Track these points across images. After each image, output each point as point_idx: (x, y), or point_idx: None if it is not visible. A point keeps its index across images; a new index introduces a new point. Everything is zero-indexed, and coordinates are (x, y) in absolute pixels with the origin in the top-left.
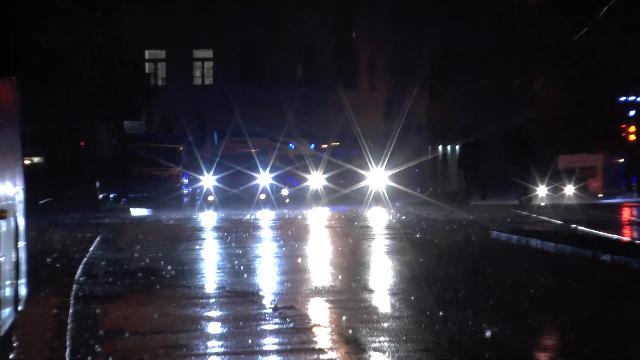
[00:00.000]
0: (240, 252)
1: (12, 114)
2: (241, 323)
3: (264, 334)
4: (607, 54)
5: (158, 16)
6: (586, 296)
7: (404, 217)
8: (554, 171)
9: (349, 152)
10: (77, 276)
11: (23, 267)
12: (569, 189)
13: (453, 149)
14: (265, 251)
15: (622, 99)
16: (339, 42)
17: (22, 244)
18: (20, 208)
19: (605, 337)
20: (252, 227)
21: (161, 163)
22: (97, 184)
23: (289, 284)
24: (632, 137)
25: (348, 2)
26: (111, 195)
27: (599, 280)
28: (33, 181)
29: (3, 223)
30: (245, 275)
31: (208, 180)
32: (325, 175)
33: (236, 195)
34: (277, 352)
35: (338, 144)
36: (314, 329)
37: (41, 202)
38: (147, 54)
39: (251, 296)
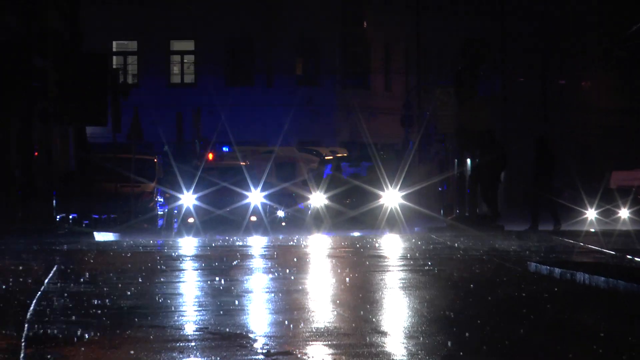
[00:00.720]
0: (227, 286)
1: None
2: None
3: None
4: None
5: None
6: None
7: (423, 245)
8: (605, 190)
9: (359, 165)
10: (29, 314)
11: None
12: (624, 212)
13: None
14: (257, 285)
15: None
16: (347, 34)
17: None
18: None
19: None
20: (240, 256)
21: (131, 178)
22: (54, 202)
23: (285, 325)
24: None
25: None
26: (70, 217)
27: None
28: None
29: None
30: (232, 314)
31: (187, 199)
32: (329, 194)
33: (222, 217)
34: None
35: (345, 155)
36: None
37: None
38: (115, 45)
39: (239, 339)
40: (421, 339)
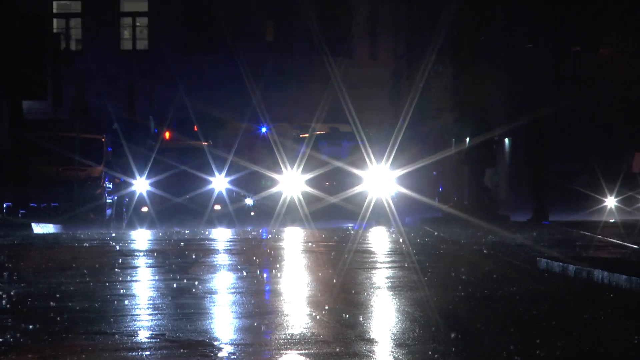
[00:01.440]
0: (187, 286)
1: None
2: None
3: None
4: None
5: None
6: None
7: (415, 238)
8: (627, 174)
9: (339, 143)
10: None
11: None
12: None
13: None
14: (222, 285)
15: None
16: None
17: None
18: None
19: None
20: (203, 251)
21: (75, 160)
22: None
23: (255, 331)
24: None
25: None
26: (4, 205)
27: None
28: None
29: None
30: (193, 319)
31: (140, 185)
32: (306, 177)
33: (180, 206)
34: None
35: (324, 132)
36: None
37: None
38: (56, 5)
39: (201, 347)
40: (412, 346)
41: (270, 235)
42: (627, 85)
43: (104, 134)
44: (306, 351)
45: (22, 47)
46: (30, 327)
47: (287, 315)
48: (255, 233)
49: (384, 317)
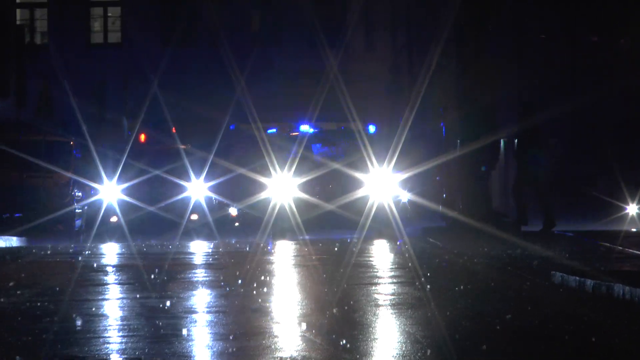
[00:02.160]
0: (164, 304)
1: None
2: None
3: None
4: None
5: None
6: None
7: (417, 250)
8: None
9: (335, 143)
10: None
11: None
12: None
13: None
14: (203, 303)
15: None
16: None
17: None
18: None
19: None
20: (181, 266)
21: (40, 166)
22: None
23: (239, 355)
24: None
25: None
26: None
27: None
28: None
29: None
30: (171, 341)
31: (110, 193)
32: (295, 181)
33: (154, 216)
34: None
35: (317, 130)
36: None
37: None
38: None
39: None
40: None
41: (257, 248)
42: None
43: (72, 137)
44: None
45: None
46: None
47: (275, 336)
48: (240, 246)
49: (383, 338)
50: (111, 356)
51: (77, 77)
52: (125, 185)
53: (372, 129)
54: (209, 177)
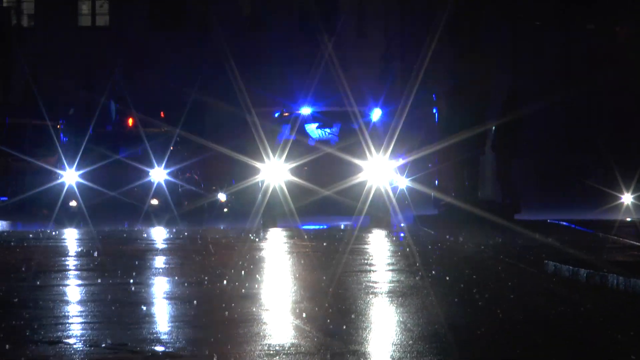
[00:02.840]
0: (150, 291)
1: None
2: None
3: None
4: None
5: None
6: None
7: (410, 239)
8: None
9: (330, 126)
10: None
11: None
12: None
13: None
14: (191, 290)
15: None
16: None
17: None
18: None
19: None
20: (167, 252)
21: (26, 150)
22: None
23: (228, 341)
24: None
25: None
26: None
27: None
28: None
29: None
30: (157, 328)
31: (69, 177)
32: (288, 166)
33: (115, 201)
34: None
35: (308, 111)
36: None
37: None
38: None
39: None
40: None
41: (247, 235)
42: None
43: (59, 121)
44: None
45: None
46: None
47: (265, 323)
48: (229, 232)
49: (374, 326)
50: (97, 341)
51: (65, 60)
52: (84, 170)
53: (378, 112)
54: (186, 161)
